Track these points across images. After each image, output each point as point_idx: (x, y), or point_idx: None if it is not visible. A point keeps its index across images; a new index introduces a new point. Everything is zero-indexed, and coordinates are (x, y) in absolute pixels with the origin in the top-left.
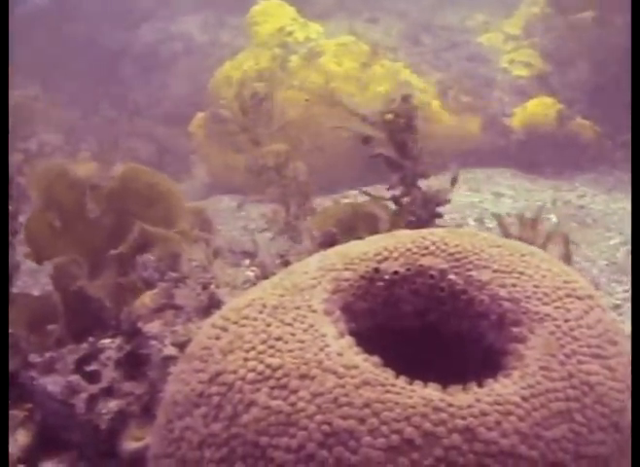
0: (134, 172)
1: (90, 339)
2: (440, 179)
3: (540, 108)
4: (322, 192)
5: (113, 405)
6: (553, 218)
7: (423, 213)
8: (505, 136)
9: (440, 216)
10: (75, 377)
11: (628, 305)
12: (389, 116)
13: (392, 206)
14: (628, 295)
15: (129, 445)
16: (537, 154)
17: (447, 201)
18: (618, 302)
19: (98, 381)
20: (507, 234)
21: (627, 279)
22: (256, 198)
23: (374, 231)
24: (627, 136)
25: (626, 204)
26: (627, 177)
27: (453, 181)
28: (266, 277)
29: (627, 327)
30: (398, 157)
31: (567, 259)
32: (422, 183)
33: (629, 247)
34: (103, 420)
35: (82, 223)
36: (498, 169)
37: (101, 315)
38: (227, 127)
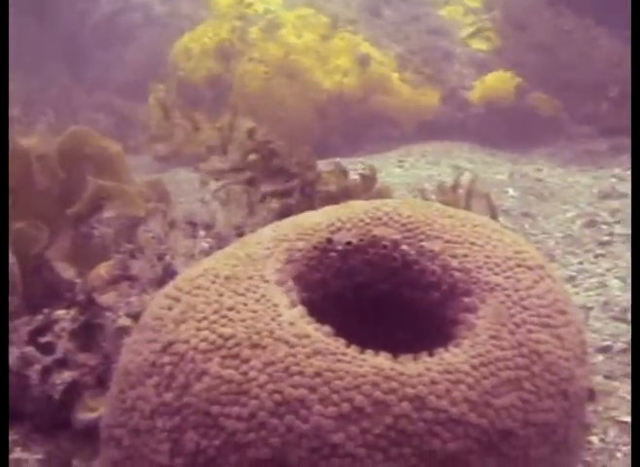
0: (81, 136)
1: (45, 310)
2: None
3: (499, 82)
4: None
5: (67, 376)
6: (511, 191)
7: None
8: (464, 110)
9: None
10: (29, 349)
11: (582, 277)
12: (251, 156)
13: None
14: (583, 267)
15: (84, 415)
16: (496, 127)
17: (355, 190)
18: (572, 273)
19: (52, 353)
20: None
21: (582, 252)
22: (215, 171)
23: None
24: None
25: (582, 178)
26: (584, 150)
27: (343, 172)
28: (221, 248)
29: (582, 298)
30: (284, 181)
31: (493, 213)
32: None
33: (585, 220)
34: (57, 391)
35: (32, 195)
36: (457, 143)
37: (57, 285)
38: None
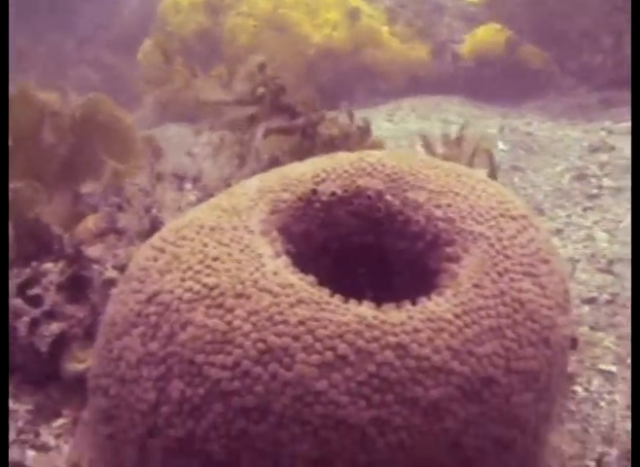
0: (98, 104)
1: (33, 263)
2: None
3: (489, 35)
4: None
5: (55, 328)
6: (501, 145)
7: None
8: (454, 64)
9: (359, 145)
10: (17, 301)
11: (570, 230)
12: (260, 90)
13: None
14: (570, 220)
15: (72, 366)
16: (486, 81)
17: (355, 134)
18: (560, 226)
19: (40, 305)
20: (433, 153)
21: (570, 205)
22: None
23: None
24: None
25: (572, 131)
26: (575, 103)
27: (349, 117)
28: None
29: (569, 251)
30: (289, 119)
31: (492, 173)
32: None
33: (574, 173)
34: (45, 343)
35: (35, 147)
36: (447, 97)
37: (48, 241)
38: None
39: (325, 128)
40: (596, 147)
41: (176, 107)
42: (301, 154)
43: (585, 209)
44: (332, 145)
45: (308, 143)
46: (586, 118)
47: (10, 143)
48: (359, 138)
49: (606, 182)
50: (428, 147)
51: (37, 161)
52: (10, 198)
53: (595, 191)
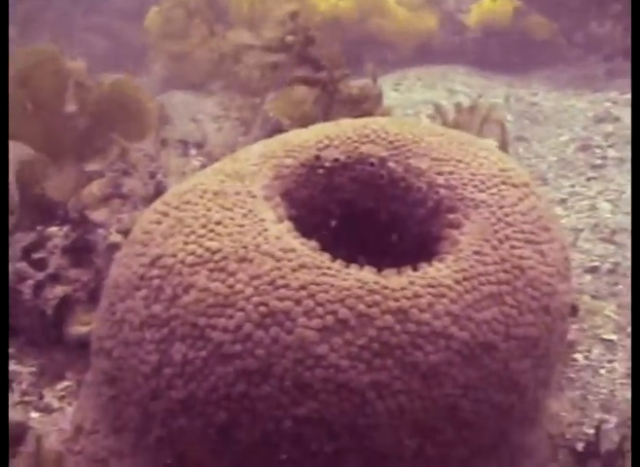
0: (124, 85)
1: (38, 227)
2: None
3: (496, 5)
4: None
5: (59, 291)
6: (506, 115)
7: (355, 113)
8: (461, 33)
9: (373, 110)
10: (22, 265)
11: (574, 200)
12: (289, 38)
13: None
14: (574, 190)
15: (76, 329)
16: (492, 51)
17: (373, 97)
18: (564, 196)
19: (45, 268)
20: (445, 121)
21: (574, 175)
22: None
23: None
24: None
25: (577, 102)
26: (581, 74)
27: (373, 80)
28: None
29: (572, 221)
30: (313, 71)
31: (504, 143)
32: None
33: (578, 143)
34: (49, 306)
35: (54, 115)
36: (453, 66)
37: (53, 211)
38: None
39: (346, 87)
40: (601, 118)
41: (187, 68)
42: (316, 111)
43: (588, 179)
44: (349, 104)
45: (326, 99)
46: (591, 88)
47: (29, 106)
48: (374, 102)
49: (610, 153)
50: (440, 114)
51: (54, 129)
52: (18, 170)
53: (599, 161)
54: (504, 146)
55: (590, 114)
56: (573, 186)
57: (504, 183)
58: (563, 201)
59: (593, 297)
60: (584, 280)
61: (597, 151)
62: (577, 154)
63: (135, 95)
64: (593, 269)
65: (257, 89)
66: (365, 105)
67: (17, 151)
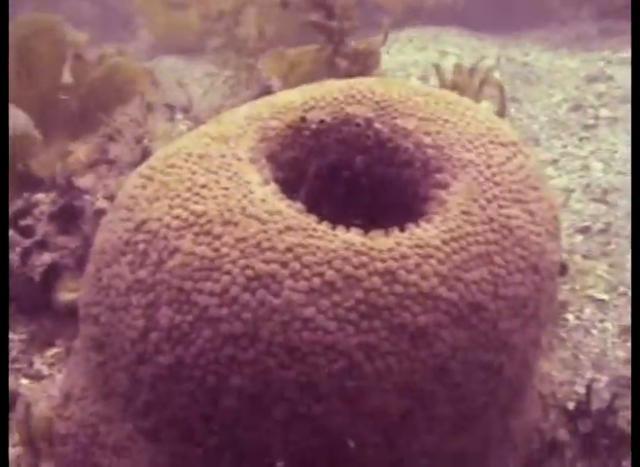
0: (123, 64)
1: (25, 194)
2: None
3: None
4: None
5: (46, 258)
6: (498, 75)
7: (354, 68)
8: None
9: (372, 68)
10: (9, 232)
11: (565, 160)
12: None
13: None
14: (566, 150)
15: (64, 296)
16: (484, 12)
17: (377, 54)
18: (556, 157)
19: (32, 235)
20: (443, 82)
21: (566, 135)
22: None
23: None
24: None
25: (570, 61)
26: (574, 34)
27: (384, 36)
28: None
29: (564, 181)
30: (323, 18)
31: (501, 106)
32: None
33: (570, 104)
34: (37, 273)
35: (50, 85)
36: (445, 28)
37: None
38: None
39: (352, 41)
40: (594, 77)
41: (178, 31)
42: (317, 64)
43: (581, 139)
44: (352, 59)
45: (330, 51)
46: (585, 48)
47: (25, 72)
48: (375, 61)
49: (603, 112)
50: (439, 74)
51: (49, 99)
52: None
53: (592, 121)
54: (502, 109)
55: (583, 74)
56: (565, 146)
57: (491, 142)
58: (555, 162)
59: (585, 257)
60: (575, 240)
61: (590, 111)
62: (569, 114)
63: (133, 78)
64: (585, 230)
65: (253, 50)
66: (368, 61)
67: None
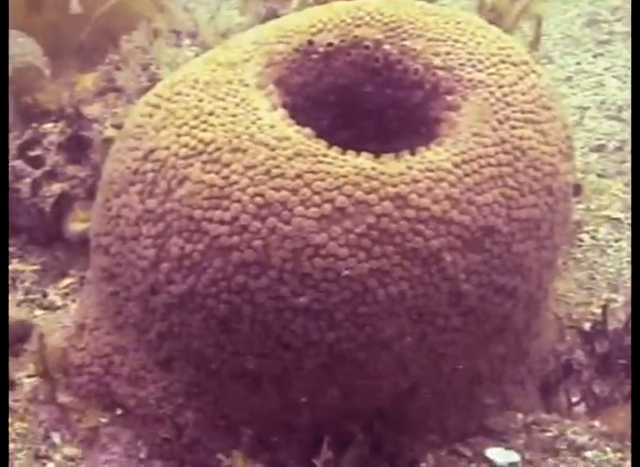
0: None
1: (33, 124)
2: None
3: None
4: None
5: (56, 188)
6: None
7: None
8: None
9: None
10: (18, 162)
11: (579, 77)
12: None
13: None
14: (580, 67)
15: (75, 226)
16: None
17: None
18: (570, 74)
19: (42, 166)
20: (482, 1)
21: (580, 52)
22: None
23: None
24: None
25: None
26: None
27: None
28: None
29: (578, 99)
30: None
31: (536, 40)
32: None
33: (585, 19)
34: (47, 204)
35: (57, 15)
36: None
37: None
38: None
39: None
40: None
41: None
42: None
43: (595, 56)
44: None
45: None
46: None
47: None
48: None
49: (617, 27)
50: None
51: (58, 29)
52: (12, 77)
53: (606, 36)
54: (534, 42)
55: None
56: (579, 63)
57: (503, 62)
58: (569, 79)
59: (600, 176)
60: (590, 159)
61: (604, 26)
62: (583, 30)
63: (142, 9)
64: (600, 148)
65: None
66: None
67: (17, 47)
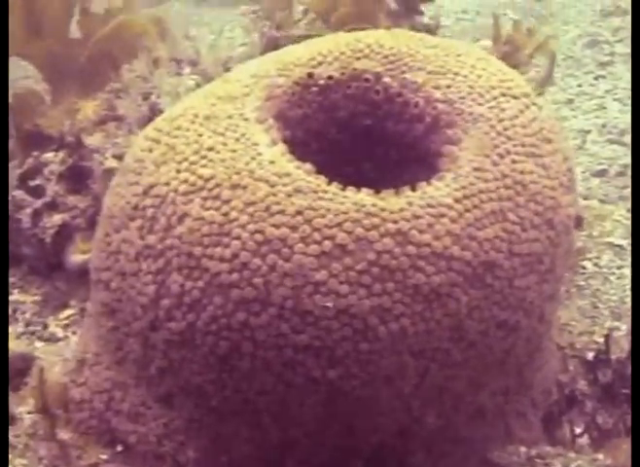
0: (128, 22)
1: (34, 152)
2: None
3: None
4: None
5: (57, 219)
6: (510, 13)
7: (405, 6)
8: None
9: (420, 13)
10: (19, 192)
11: (581, 100)
12: None
13: None
14: (581, 89)
15: (76, 257)
16: None
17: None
18: (571, 97)
19: (42, 196)
20: (497, 34)
21: (581, 73)
22: None
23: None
24: None
25: None
26: None
27: None
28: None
29: (580, 122)
30: None
31: (546, 77)
32: None
33: (586, 40)
34: (48, 234)
35: (57, 40)
36: None
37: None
38: None
39: None
40: (609, 11)
41: None
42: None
43: (596, 78)
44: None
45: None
46: None
47: (30, 25)
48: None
49: (619, 48)
50: (495, 25)
51: (57, 55)
52: (12, 103)
53: (607, 58)
54: (545, 80)
55: (598, 8)
56: (580, 85)
57: (503, 95)
58: (570, 102)
59: (602, 201)
60: (591, 184)
61: (605, 47)
62: (584, 51)
63: (142, 34)
64: (601, 173)
65: None
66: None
67: (17, 72)
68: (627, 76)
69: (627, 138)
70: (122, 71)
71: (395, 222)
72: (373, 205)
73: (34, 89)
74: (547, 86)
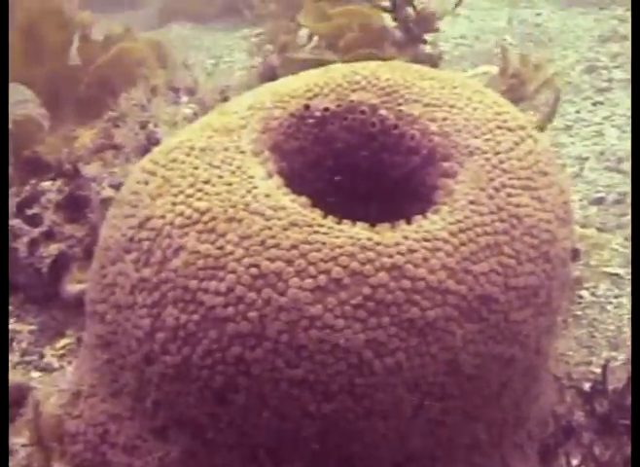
0: (131, 49)
1: (32, 180)
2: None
3: None
4: None
5: (53, 248)
6: (509, 38)
7: (409, 35)
8: None
9: (424, 42)
10: (16, 221)
11: (579, 126)
12: None
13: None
14: (579, 116)
15: (72, 287)
16: None
17: (436, 29)
18: (569, 123)
19: (39, 225)
20: (505, 67)
21: (579, 99)
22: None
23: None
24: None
25: (583, 21)
26: None
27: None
28: (205, 114)
29: (577, 149)
30: None
31: (550, 113)
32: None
33: (584, 65)
34: (45, 264)
35: (56, 67)
36: None
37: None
38: None
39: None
40: (607, 37)
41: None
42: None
43: (595, 104)
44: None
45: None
46: (598, 5)
47: (31, 53)
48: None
49: (617, 74)
50: (504, 57)
51: (57, 81)
52: (11, 129)
53: (606, 84)
54: (549, 116)
55: (596, 33)
56: (578, 111)
57: (499, 127)
58: (568, 128)
59: (599, 229)
60: (589, 212)
61: (603, 72)
62: (582, 76)
63: (140, 61)
64: (599, 201)
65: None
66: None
67: (16, 97)
68: (626, 102)
69: (625, 166)
70: (120, 99)
71: (390, 256)
72: (369, 239)
73: (33, 115)
74: (549, 122)
